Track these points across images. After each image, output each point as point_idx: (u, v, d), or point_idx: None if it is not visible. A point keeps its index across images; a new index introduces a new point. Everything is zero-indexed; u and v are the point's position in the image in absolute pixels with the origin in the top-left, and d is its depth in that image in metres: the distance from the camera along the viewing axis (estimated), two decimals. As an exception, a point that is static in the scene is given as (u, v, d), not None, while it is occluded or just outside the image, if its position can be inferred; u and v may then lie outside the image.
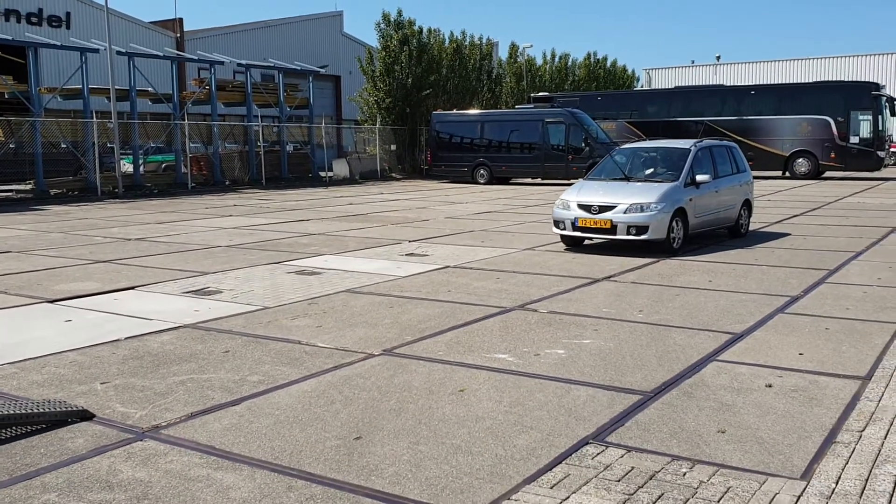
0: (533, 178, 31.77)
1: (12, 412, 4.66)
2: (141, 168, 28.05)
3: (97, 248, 12.91)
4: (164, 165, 30.79)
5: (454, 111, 34.65)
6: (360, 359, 6.13)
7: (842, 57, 56.06)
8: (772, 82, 48.98)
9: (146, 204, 22.64)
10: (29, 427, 4.66)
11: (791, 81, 48.77)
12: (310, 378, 5.62)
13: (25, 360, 6.18)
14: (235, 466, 4.08)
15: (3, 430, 4.59)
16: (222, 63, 30.96)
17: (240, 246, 13.06)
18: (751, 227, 14.22)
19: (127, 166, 27.48)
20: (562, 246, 12.42)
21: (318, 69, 36.31)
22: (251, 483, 3.87)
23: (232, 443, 4.40)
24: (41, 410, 4.77)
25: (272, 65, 34.25)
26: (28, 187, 25.72)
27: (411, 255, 11.89)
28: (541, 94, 40.51)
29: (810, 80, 44.06)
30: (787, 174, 31.73)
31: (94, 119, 25.94)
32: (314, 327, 7.21)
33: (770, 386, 5.36)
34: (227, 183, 29.89)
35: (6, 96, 25.80)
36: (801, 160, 31.48)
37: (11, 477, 3.98)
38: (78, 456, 4.24)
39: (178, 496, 3.73)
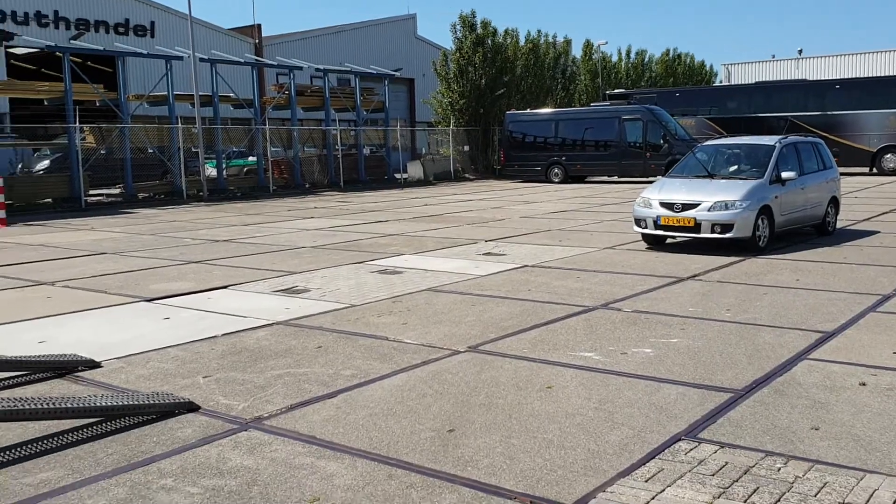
0: (609, 177, 31.50)
1: (125, 403, 4.95)
2: (224, 172, 28.92)
3: (187, 250, 13.42)
4: (245, 169, 31.66)
5: (528, 110, 34.64)
6: (446, 355, 6.27)
7: (932, 47, 53.70)
8: (857, 75, 47.30)
9: (230, 207, 23.35)
10: (140, 418, 4.93)
11: (878, 74, 46.97)
12: (400, 373, 5.79)
13: (130, 355, 6.52)
14: (336, 455, 4.26)
15: (118, 421, 4.88)
16: (301, 68, 31.65)
17: (323, 246, 13.39)
18: (838, 225, 13.85)
19: (210, 170, 28.34)
20: (643, 245, 12.34)
21: (393, 73, 36.77)
22: (353, 471, 4.04)
23: (331, 433, 4.59)
24: (151, 402, 5.05)
25: (349, 69, 34.86)
26: (118, 191, 26.81)
27: (489, 254, 11.99)
28: (617, 91, 40.09)
29: (899, 72, 42.36)
30: (875, 170, 30.62)
31: (179, 125, 26.91)
32: (400, 324, 7.38)
33: (864, 384, 5.27)
34: (306, 186, 30.56)
35: (97, 104, 26.96)
36: (889, 155, 30.34)
37: (130, 463, 4.24)
38: (188, 444, 4.49)
39: (286, 483, 3.92)
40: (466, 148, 37.12)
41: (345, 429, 4.66)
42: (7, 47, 26.78)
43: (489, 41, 36.67)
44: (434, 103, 38.56)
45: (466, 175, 36.87)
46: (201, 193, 26.33)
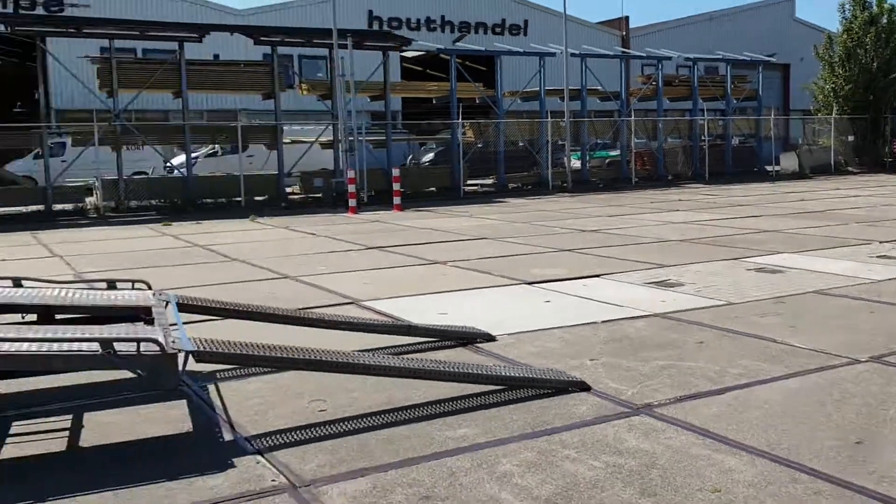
0: None
1: (525, 375, 5.39)
2: (587, 164, 29.63)
3: (558, 238, 14.03)
4: (607, 161, 32.12)
5: (930, 96, 30.52)
6: (844, 363, 5.84)
7: None
8: None
9: (592, 198, 23.87)
10: (537, 391, 5.32)
11: None
12: (793, 377, 5.53)
13: (519, 332, 7.03)
14: (733, 451, 4.22)
15: (518, 391, 5.32)
16: (669, 58, 31.19)
17: (692, 241, 13.15)
18: None
19: (575, 162, 29.20)
20: None
21: (768, 58, 34.63)
22: (752, 469, 3.98)
23: (724, 429, 4.55)
24: (547, 378, 5.43)
25: (719, 56, 33.55)
26: (490, 181, 28.84)
27: (884, 257, 10.84)
28: None
29: None
30: None
31: (549, 119, 28.08)
32: (786, 327, 7.02)
33: None
34: (668, 178, 30.13)
35: (476, 101, 29.15)
36: None
37: (534, 431, 4.62)
38: (585, 421, 4.76)
39: (684, 470, 3.99)
40: (851, 138, 33.72)
41: (738, 426, 4.59)
42: (401, 51, 30.01)
43: (884, 19, 32.89)
44: (814, 89, 35.60)
45: (849, 168, 33.52)
46: (565, 185, 27.25)
